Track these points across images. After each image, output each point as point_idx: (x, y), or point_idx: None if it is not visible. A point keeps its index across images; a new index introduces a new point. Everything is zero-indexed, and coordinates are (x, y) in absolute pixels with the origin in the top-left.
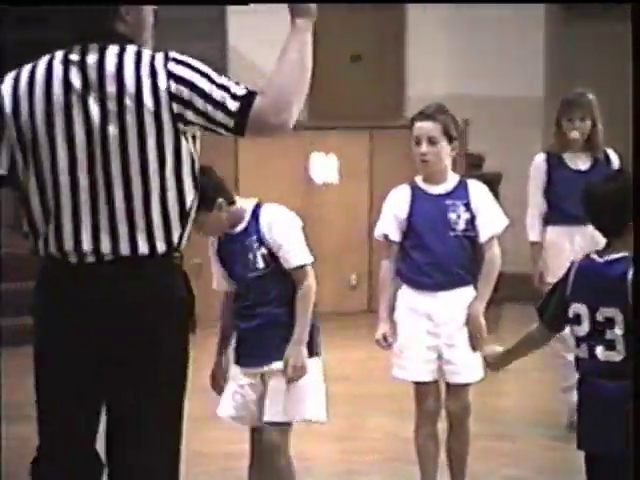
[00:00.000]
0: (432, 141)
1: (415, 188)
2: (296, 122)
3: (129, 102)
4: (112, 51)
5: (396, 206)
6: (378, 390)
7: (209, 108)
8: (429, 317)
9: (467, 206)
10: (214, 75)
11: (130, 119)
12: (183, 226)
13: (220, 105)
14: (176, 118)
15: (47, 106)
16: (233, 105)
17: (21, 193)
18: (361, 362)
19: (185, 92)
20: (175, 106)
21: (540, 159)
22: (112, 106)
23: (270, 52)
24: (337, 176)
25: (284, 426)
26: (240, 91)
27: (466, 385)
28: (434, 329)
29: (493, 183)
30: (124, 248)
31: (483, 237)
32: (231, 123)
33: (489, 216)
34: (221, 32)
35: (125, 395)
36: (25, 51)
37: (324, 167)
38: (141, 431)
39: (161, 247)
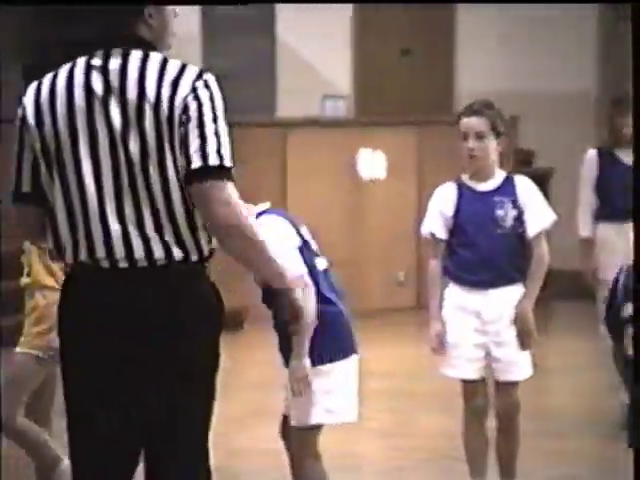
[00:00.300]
0: (479, 136)
1: (462, 185)
2: (344, 118)
3: (148, 109)
4: (135, 56)
5: (442, 204)
6: (426, 387)
7: (193, 137)
8: (477, 315)
9: (514, 203)
10: (221, 124)
11: (148, 126)
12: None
13: (203, 144)
14: (179, 128)
15: (69, 112)
16: (214, 158)
17: (46, 207)
18: (409, 359)
19: (192, 110)
20: (183, 117)
21: (592, 155)
22: (132, 112)
23: (317, 46)
24: (384, 172)
25: (305, 430)
26: (227, 157)
27: (515, 383)
28: (482, 327)
29: (543, 180)
30: (158, 254)
31: (531, 233)
32: (193, 165)
33: (537, 212)
34: (270, 26)
35: (159, 403)
36: (71, 50)
37: (371, 163)
38: (177, 443)
39: (193, 254)
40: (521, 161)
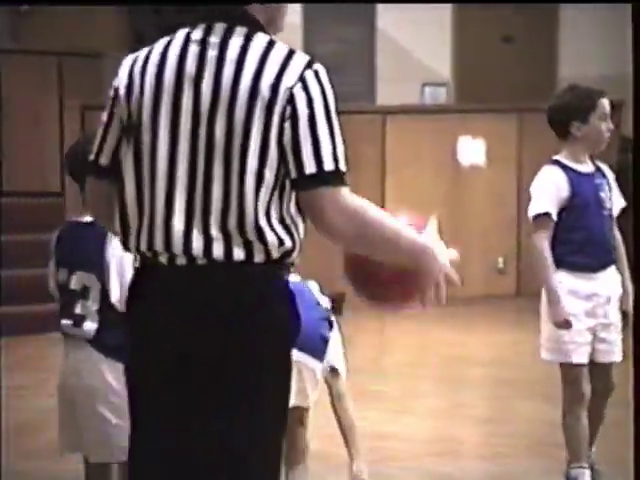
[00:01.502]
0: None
1: (566, 167)
2: (444, 105)
3: (243, 92)
4: (239, 33)
5: (557, 185)
6: (525, 374)
7: (305, 137)
8: (588, 298)
9: (608, 184)
10: (335, 123)
11: (239, 111)
12: (289, 235)
13: (317, 147)
14: (282, 120)
15: (157, 86)
16: (329, 162)
17: (119, 185)
18: (508, 346)
19: (301, 105)
20: (288, 109)
21: None
22: (225, 94)
23: (417, 33)
24: (484, 159)
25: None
26: (342, 161)
27: (612, 364)
28: (593, 310)
29: None
30: (217, 252)
31: (615, 214)
32: (307, 171)
33: (617, 194)
34: (370, 14)
35: (215, 412)
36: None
37: (471, 150)
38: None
39: (259, 255)
40: (623, 149)
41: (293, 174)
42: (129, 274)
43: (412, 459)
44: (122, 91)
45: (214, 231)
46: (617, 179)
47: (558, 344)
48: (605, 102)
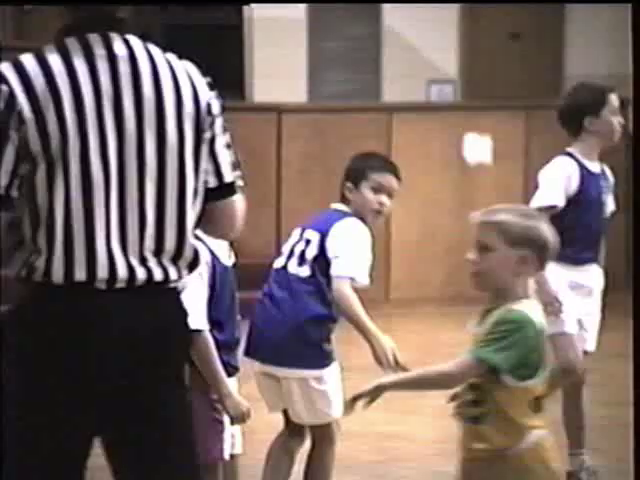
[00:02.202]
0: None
1: (580, 163)
2: (451, 102)
3: (168, 108)
4: (137, 44)
5: (568, 178)
6: None
7: (222, 146)
8: (578, 289)
9: (609, 188)
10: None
11: (169, 127)
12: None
13: (229, 155)
14: (208, 132)
15: (77, 104)
16: (234, 171)
17: (20, 213)
18: None
19: (217, 114)
20: (208, 119)
21: None
22: (149, 111)
23: (424, 30)
24: (491, 157)
25: None
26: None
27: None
28: (581, 300)
29: None
30: (157, 276)
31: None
32: (226, 179)
33: (612, 197)
34: (376, 11)
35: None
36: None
37: (478, 148)
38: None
39: (184, 271)
40: (629, 146)
41: (212, 183)
42: None
43: (419, 459)
44: (25, 107)
45: (149, 254)
46: (627, 177)
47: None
48: (615, 97)
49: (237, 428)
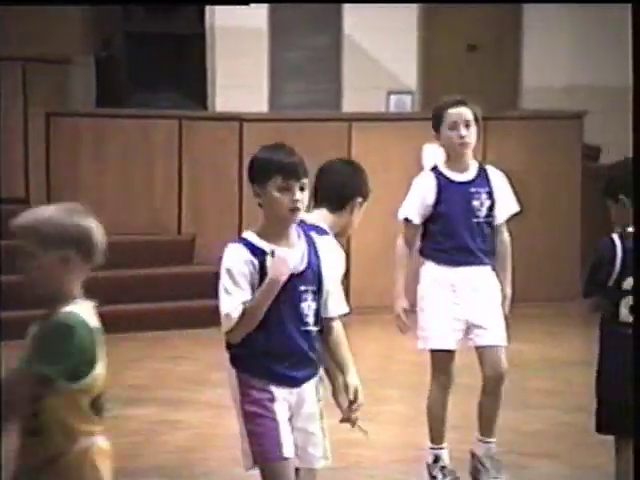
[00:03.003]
0: (468, 125)
1: (441, 176)
2: (410, 113)
3: None
4: None
5: (423, 192)
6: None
7: None
8: (453, 288)
9: (489, 194)
10: None
11: None
12: None
13: None
14: None
15: None
16: None
17: None
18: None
19: None
20: None
21: None
22: None
23: (383, 42)
24: None
25: None
26: None
27: (500, 347)
28: (457, 299)
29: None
30: None
31: (500, 220)
32: None
33: (506, 202)
34: (336, 22)
35: None
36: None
37: (436, 157)
38: None
39: None
40: (587, 156)
41: None
42: None
43: (378, 466)
44: None
45: None
46: (582, 184)
47: (426, 332)
48: (453, 111)
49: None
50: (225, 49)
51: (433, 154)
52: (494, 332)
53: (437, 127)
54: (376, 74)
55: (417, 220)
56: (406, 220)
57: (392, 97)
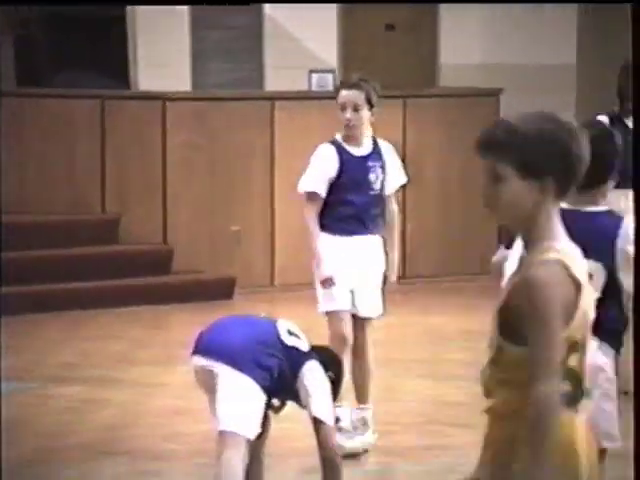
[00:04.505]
0: (356, 108)
1: (341, 149)
2: (332, 90)
3: None
4: None
5: (326, 165)
6: (413, 354)
7: None
8: (346, 256)
9: (382, 167)
10: None
11: None
12: None
13: None
14: None
15: None
16: None
17: None
18: (397, 327)
19: None
20: None
21: (604, 121)
22: None
23: (304, 21)
24: None
25: None
26: None
27: (371, 319)
28: (350, 267)
29: None
30: None
31: (389, 191)
32: None
33: (395, 174)
34: (257, 3)
35: None
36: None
37: None
38: None
39: None
40: None
41: None
42: None
43: (302, 439)
44: None
45: None
46: None
47: (324, 296)
48: (343, 94)
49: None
50: (147, 29)
51: None
52: (370, 303)
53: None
54: (297, 53)
55: (323, 192)
56: (311, 192)
57: (314, 76)
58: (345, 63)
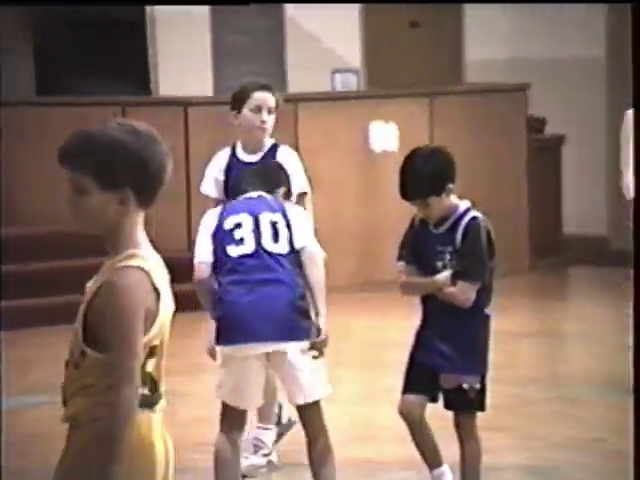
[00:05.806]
0: (270, 111)
1: (233, 154)
2: (355, 91)
3: None
4: None
5: (215, 170)
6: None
7: None
8: None
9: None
10: None
11: None
12: None
13: None
14: None
15: None
16: None
17: None
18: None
19: None
20: None
21: (630, 115)
22: None
23: (325, 21)
24: (397, 144)
25: None
26: None
27: None
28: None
29: (554, 147)
30: None
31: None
32: None
33: (294, 180)
34: (278, 4)
35: None
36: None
37: (383, 135)
38: None
39: None
40: (532, 128)
41: None
42: None
43: (333, 446)
44: None
45: None
46: (528, 156)
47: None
48: (258, 95)
49: None
50: (168, 34)
51: (380, 132)
52: None
53: (238, 108)
54: (320, 54)
55: (214, 194)
56: (207, 195)
57: (337, 76)
58: (369, 62)
